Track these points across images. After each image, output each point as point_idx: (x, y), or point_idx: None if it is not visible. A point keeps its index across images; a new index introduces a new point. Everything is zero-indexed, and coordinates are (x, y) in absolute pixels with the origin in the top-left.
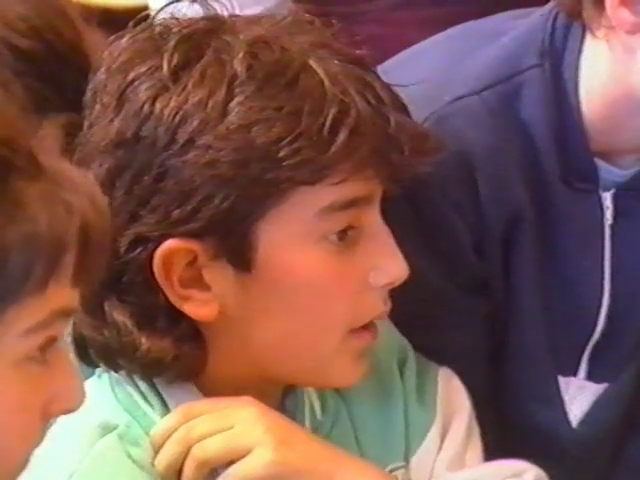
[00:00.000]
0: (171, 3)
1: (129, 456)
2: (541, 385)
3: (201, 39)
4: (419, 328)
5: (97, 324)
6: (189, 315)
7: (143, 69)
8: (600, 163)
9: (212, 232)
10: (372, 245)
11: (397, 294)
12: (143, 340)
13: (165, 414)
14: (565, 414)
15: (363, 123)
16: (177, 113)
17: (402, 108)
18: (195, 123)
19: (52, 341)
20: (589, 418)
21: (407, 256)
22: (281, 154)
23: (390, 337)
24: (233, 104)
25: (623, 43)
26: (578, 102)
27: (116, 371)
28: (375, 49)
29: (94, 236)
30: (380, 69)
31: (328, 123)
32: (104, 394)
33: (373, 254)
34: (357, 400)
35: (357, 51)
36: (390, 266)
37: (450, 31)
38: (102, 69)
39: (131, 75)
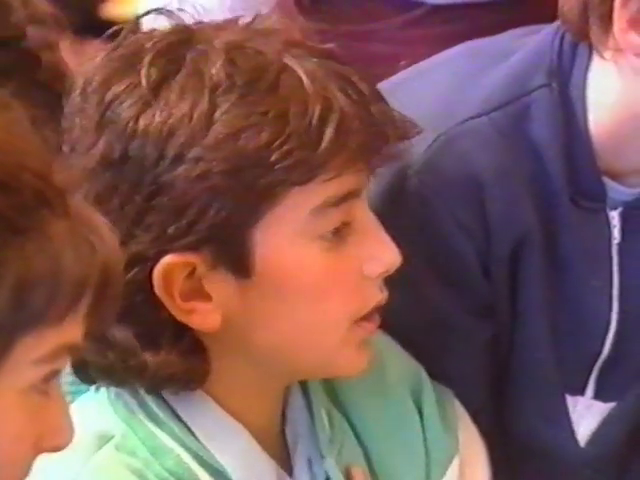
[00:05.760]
0: (139, 18)
1: (127, 467)
2: (549, 404)
3: (176, 51)
4: (424, 351)
5: (100, 348)
6: (194, 327)
7: (121, 87)
8: (608, 182)
9: (209, 243)
10: (363, 236)
11: (403, 317)
12: (150, 359)
13: (175, 424)
14: (573, 433)
15: (348, 117)
16: (162, 128)
17: (381, 97)
18: (182, 137)
19: (56, 374)
20: (597, 437)
21: (415, 278)
22: (272, 158)
23: (402, 363)
24: (218, 114)
25: (632, 65)
26: (586, 121)
27: (119, 387)
28: (386, 67)
29: (112, 280)
30: (386, 85)
31: (314, 121)
32: (101, 403)
33: (365, 245)
34: (368, 424)
35: (327, 45)
36: (383, 254)
37: (457, 49)
38: (77, 92)
39: (109, 95)
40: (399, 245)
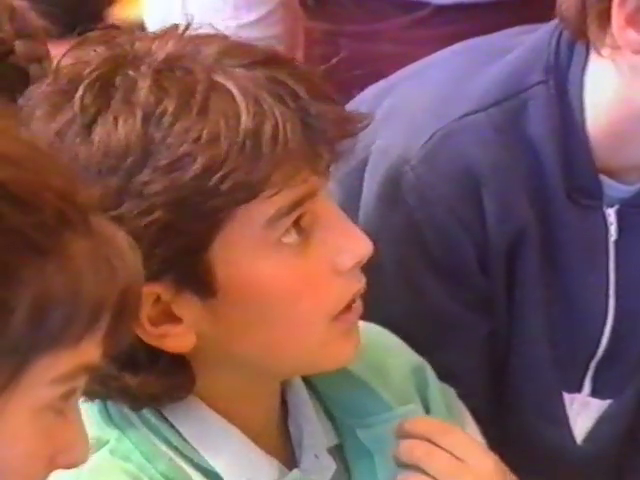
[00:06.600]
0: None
1: (122, 470)
2: (546, 402)
3: (106, 81)
4: (422, 348)
5: None
6: (170, 351)
7: (60, 125)
8: (605, 179)
9: (167, 272)
10: (329, 231)
11: (400, 312)
12: (130, 381)
13: (166, 428)
14: (570, 431)
15: (282, 128)
16: (101, 166)
17: (321, 96)
18: (120, 172)
19: (72, 393)
20: (594, 435)
21: (412, 273)
22: (211, 183)
23: (405, 359)
24: (153, 147)
25: (629, 63)
26: (583, 119)
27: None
28: (391, 68)
29: (130, 302)
30: (385, 84)
31: (248, 140)
32: (95, 408)
33: (332, 239)
34: None
35: (265, 46)
36: (352, 246)
37: (456, 47)
38: (22, 128)
39: (50, 132)
40: (396, 242)
